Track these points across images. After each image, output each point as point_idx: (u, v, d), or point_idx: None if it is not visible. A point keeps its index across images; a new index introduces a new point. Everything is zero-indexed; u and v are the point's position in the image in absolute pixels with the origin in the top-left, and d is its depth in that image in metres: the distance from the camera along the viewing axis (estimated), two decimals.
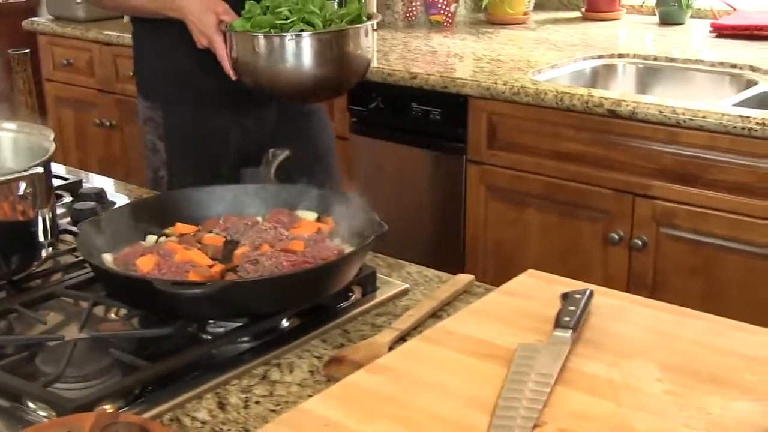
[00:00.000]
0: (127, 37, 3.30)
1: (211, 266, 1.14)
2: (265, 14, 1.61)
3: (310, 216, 1.29)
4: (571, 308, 1.01)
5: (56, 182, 1.56)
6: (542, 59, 2.66)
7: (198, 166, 1.83)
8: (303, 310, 1.15)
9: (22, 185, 1.14)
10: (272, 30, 1.58)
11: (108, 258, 1.18)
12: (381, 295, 1.21)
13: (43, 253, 1.23)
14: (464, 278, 1.24)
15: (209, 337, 1.10)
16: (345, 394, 0.91)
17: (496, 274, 2.49)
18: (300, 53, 1.58)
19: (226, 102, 1.81)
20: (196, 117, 1.85)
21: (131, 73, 3.32)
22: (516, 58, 2.68)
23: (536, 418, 0.84)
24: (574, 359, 0.95)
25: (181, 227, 1.27)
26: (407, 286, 1.24)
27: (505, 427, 0.83)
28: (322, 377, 1.02)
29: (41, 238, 1.21)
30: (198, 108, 1.84)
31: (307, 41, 1.58)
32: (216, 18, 1.63)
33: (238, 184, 1.36)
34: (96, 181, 1.75)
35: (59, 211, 1.50)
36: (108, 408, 0.96)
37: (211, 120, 1.85)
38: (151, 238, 1.25)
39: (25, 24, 3.63)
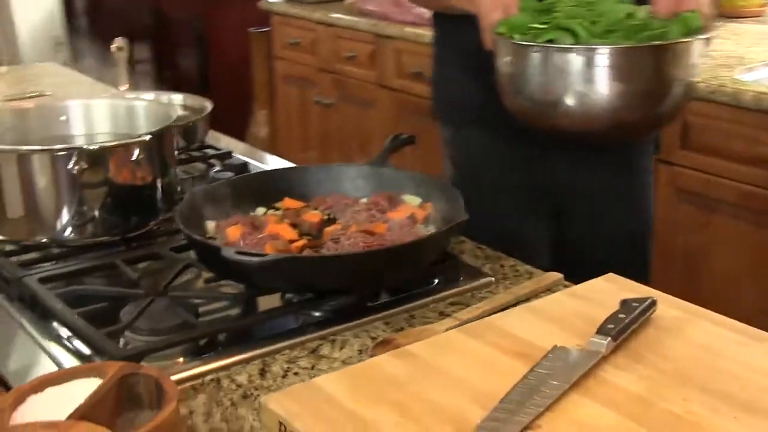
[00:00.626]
0: (347, 19, 3.45)
1: (293, 241, 1.19)
2: (535, 13, 1.26)
3: (413, 201, 1.30)
4: (621, 315, 0.96)
5: (209, 152, 1.68)
6: (759, 56, 2.47)
7: (483, 199, 1.48)
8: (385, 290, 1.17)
9: (136, 150, 1.23)
10: (532, 35, 1.22)
11: (211, 225, 1.25)
12: (461, 286, 1.20)
13: (160, 216, 1.33)
14: (550, 276, 1.20)
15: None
16: (360, 374, 0.92)
17: (682, 279, 2.36)
18: (557, 74, 1.18)
19: (526, 136, 1.43)
20: (487, 147, 1.57)
21: (349, 54, 3.47)
22: (729, 55, 2.50)
23: (531, 421, 0.81)
24: (608, 368, 0.91)
25: (288, 202, 1.32)
26: (491, 278, 1.22)
27: (492, 427, 0.81)
28: (368, 357, 1.03)
29: (158, 201, 1.31)
30: (490, 138, 1.55)
31: (574, 58, 1.17)
32: (502, 15, 1.26)
33: (352, 165, 1.40)
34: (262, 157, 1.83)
35: None
36: (180, 360, 1.04)
37: (502, 152, 1.56)
38: (260, 210, 1.32)
39: (261, 4, 3.85)
